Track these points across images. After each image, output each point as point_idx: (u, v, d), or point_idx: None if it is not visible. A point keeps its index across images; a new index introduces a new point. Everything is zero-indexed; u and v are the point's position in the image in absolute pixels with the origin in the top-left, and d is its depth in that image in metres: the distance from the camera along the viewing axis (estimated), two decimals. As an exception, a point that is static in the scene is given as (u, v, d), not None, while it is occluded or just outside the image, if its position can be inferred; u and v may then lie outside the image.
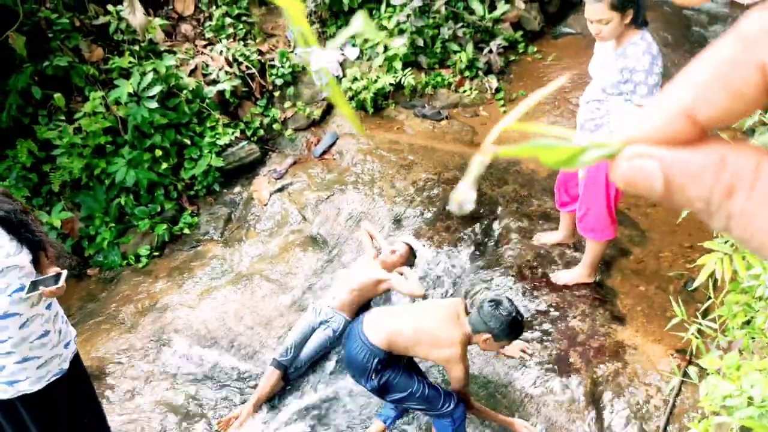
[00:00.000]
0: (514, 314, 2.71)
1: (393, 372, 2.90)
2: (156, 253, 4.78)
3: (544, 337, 3.57)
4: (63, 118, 4.90)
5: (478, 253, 4.19)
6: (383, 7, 5.90)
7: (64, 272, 2.45)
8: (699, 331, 2.40)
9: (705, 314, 2.46)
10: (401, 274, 3.79)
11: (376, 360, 2.85)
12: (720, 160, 0.25)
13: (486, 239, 4.27)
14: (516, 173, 4.79)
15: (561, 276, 3.85)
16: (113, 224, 4.80)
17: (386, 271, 3.82)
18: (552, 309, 3.72)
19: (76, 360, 2.75)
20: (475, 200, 0.35)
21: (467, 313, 2.87)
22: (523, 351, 3.45)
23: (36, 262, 2.45)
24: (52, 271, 2.46)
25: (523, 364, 3.46)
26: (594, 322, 3.63)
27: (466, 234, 4.31)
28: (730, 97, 0.26)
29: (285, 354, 3.53)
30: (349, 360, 2.98)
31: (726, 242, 2.18)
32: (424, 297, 3.79)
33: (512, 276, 3.94)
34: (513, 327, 2.70)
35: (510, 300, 2.81)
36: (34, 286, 2.37)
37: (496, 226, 4.36)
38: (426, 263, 4.14)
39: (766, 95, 0.26)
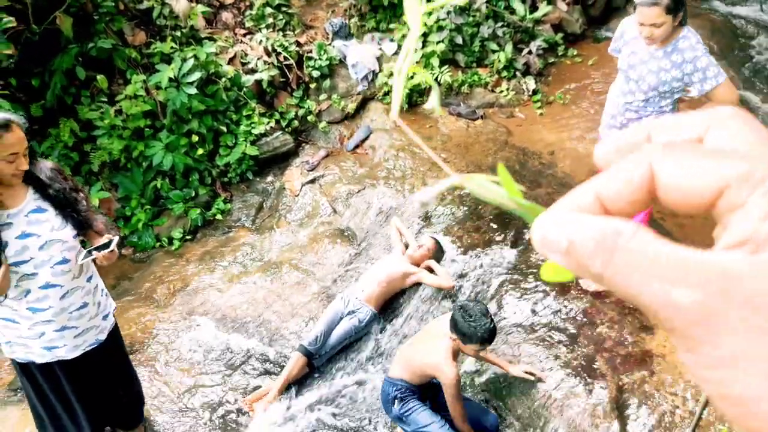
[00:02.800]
0: (476, 319, 2.82)
1: (416, 405, 3.14)
2: (188, 237, 4.87)
3: (572, 342, 3.55)
4: (105, 99, 5.01)
5: (507, 254, 4.18)
6: (423, 1, 5.90)
7: (116, 238, 2.48)
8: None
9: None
10: (430, 269, 3.83)
11: (394, 388, 3.14)
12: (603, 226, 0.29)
13: (516, 241, 4.26)
14: (551, 177, 4.76)
15: (591, 282, 3.81)
16: (149, 206, 4.90)
17: (414, 265, 3.86)
18: (580, 314, 3.69)
19: (114, 332, 2.83)
20: (435, 201, 0.39)
21: None
22: (528, 373, 3.40)
23: (83, 238, 2.53)
24: (105, 238, 2.51)
25: (549, 368, 3.44)
26: (622, 329, 3.60)
27: (496, 235, 4.30)
28: (622, 182, 0.30)
29: (314, 343, 3.58)
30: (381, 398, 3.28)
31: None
32: (452, 289, 3.82)
33: (541, 279, 3.91)
34: (475, 332, 2.81)
35: (481, 305, 2.93)
36: (88, 254, 2.44)
37: (527, 229, 4.34)
38: (452, 260, 4.14)
39: (648, 194, 0.30)
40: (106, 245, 2.44)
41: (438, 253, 3.97)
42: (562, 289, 3.85)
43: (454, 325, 2.89)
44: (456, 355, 2.98)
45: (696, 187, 0.28)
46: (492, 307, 3.84)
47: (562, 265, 0.30)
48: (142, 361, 3.72)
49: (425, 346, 3.06)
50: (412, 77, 5.59)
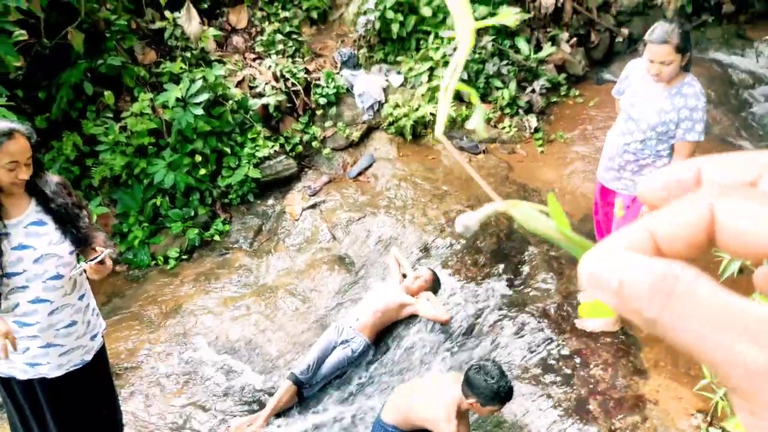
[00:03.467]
0: (497, 380, 2.72)
1: None
2: (185, 257, 4.85)
3: (565, 382, 3.52)
4: (110, 115, 5.04)
5: (504, 290, 4.17)
6: (431, 38, 6.00)
7: (107, 250, 2.42)
8: (726, 393, 2.35)
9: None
10: (427, 300, 3.81)
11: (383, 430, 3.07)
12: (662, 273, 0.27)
13: (514, 277, 4.25)
14: (549, 214, 4.77)
15: (587, 323, 3.81)
16: (146, 224, 4.89)
17: (411, 296, 3.84)
18: (575, 355, 3.66)
19: (101, 353, 2.78)
20: (478, 226, 0.37)
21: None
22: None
23: (80, 255, 2.51)
24: (98, 252, 2.47)
25: (541, 408, 3.40)
26: (616, 372, 3.57)
27: (493, 270, 4.29)
28: (681, 224, 0.29)
29: (306, 372, 3.53)
30: None
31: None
32: (448, 323, 3.80)
33: (537, 316, 3.90)
34: (497, 393, 2.71)
35: (497, 365, 2.83)
36: (78, 266, 2.42)
37: (525, 265, 4.34)
38: (450, 294, 4.13)
39: (707, 237, 0.29)
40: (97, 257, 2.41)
41: (435, 285, 3.96)
42: (558, 327, 3.83)
43: (471, 388, 2.75)
44: (462, 414, 2.87)
45: (761, 235, 0.27)
46: (487, 342, 3.81)
47: (608, 304, 0.29)
48: (127, 382, 3.66)
49: (426, 399, 2.95)
50: (417, 109, 5.66)
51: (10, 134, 2.22)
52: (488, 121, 5.83)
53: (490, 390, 2.70)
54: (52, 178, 2.49)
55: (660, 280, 0.27)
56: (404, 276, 4.04)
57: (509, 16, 0.41)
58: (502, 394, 2.73)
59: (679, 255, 0.29)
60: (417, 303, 3.82)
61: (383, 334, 3.92)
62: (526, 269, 4.31)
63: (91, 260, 2.37)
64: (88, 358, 2.67)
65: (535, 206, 0.34)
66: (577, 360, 3.63)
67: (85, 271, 2.40)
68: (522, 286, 4.18)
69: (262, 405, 3.58)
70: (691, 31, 2.96)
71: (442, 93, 0.38)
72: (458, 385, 2.85)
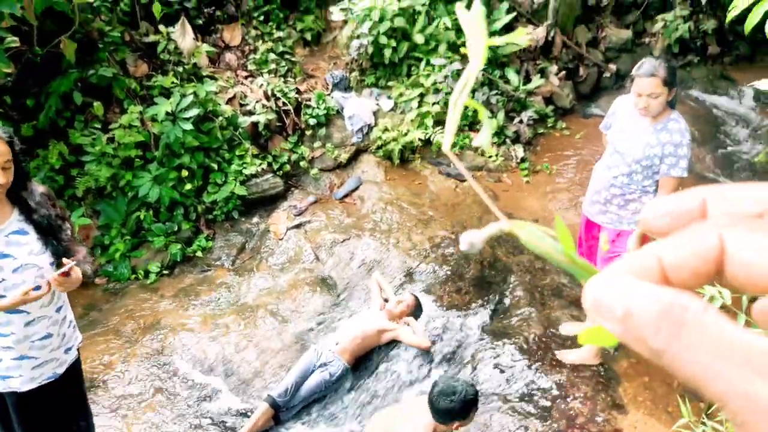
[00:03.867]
0: (459, 392, 2.78)
1: None
2: (165, 272, 4.79)
3: (544, 414, 3.51)
4: (98, 126, 5.01)
5: (486, 318, 4.17)
6: (422, 65, 6.07)
7: (71, 263, 2.34)
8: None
9: (710, 414, 2.42)
10: (408, 326, 3.80)
11: None
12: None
13: (496, 306, 4.25)
14: (532, 244, 4.80)
15: (567, 355, 3.81)
16: (129, 237, 4.83)
17: (393, 321, 3.83)
18: (554, 387, 3.66)
19: (74, 367, 2.72)
20: (482, 244, 0.36)
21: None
22: None
23: (58, 267, 2.47)
24: (66, 265, 2.39)
25: (519, 439, 3.39)
26: (595, 406, 3.57)
27: (476, 298, 4.29)
28: (689, 252, 0.29)
29: (284, 395, 3.48)
30: None
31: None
32: (429, 349, 3.78)
33: (518, 347, 3.90)
34: (468, 403, 2.80)
35: (445, 380, 2.88)
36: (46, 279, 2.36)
37: (507, 294, 4.35)
38: (431, 319, 4.12)
39: (715, 267, 0.28)
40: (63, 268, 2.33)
41: (417, 311, 3.95)
42: (540, 359, 3.83)
43: (447, 415, 2.78)
44: None
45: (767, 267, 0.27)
46: (467, 371, 3.80)
47: (612, 332, 0.29)
48: (101, 396, 3.59)
49: (402, 425, 2.96)
50: (406, 134, 5.70)
51: None
52: (475, 148, 5.89)
53: (462, 405, 2.77)
54: (37, 188, 2.46)
55: (667, 310, 0.26)
56: (386, 300, 4.03)
57: (521, 36, 0.41)
58: (472, 398, 2.81)
59: (686, 284, 0.29)
60: (398, 329, 3.80)
61: (363, 359, 3.89)
62: (508, 299, 4.32)
63: (57, 272, 2.32)
64: (61, 371, 2.61)
65: (541, 228, 0.33)
66: (557, 392, 3.63)
67: (49, 283, 2.35)
68: (504, 316, 4.18)
69: (237, 427, 3.51)
70: (677, 67, 3.03)
71: (451, 108, 0.37)
72: (426, 414, 2.86)
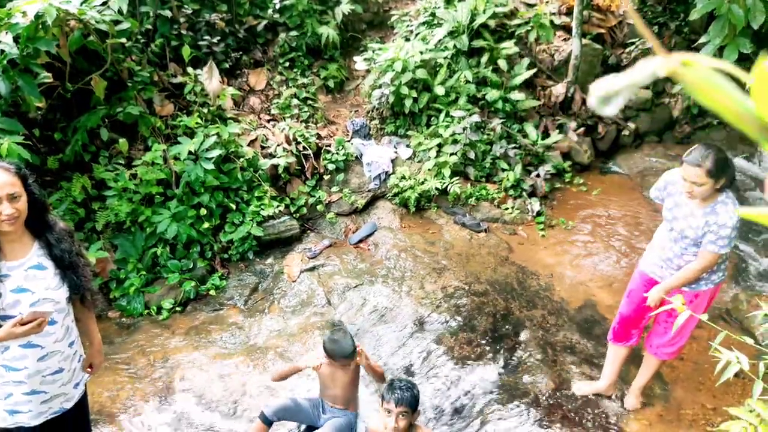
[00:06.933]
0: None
1: None
2: (178, 309, 4.80)
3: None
4: (122, 162, 5.12)
5: (496, 372, 4.10)
6: (442, 116, 6.16)
7: (31, 310, 2.30)
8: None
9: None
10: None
11: None
12: None
13: (507, 361, 4.19)
14: (546, 299, 4.76)
15: (582, 387, 3.93)
16: (144, 272, 4.88)
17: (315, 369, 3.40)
18: (565, 447, 3.57)
19: (81, 402, 2.72)
20: (625, 100, 0.29)
21: None
22: None
23: (73, 302, 2.50)
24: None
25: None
26: (606, 470, 3.46)
27: (487, 351, 4.24)
28: None
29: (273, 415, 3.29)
30: None
31: (752, 411, 2.11)
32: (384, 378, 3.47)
33: (527, 402, 3.82)
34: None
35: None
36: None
37: (519, 349, 4.29)
38: (442, 370, 4.05)
39: None
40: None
41: (331, 352, 3.31)
42: (548, 415, 3.75)
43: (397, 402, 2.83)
44: None
45: None
46: (475, 424, 3.72)
47: None
48: (107, 431, 3.56)
49: None
50: (423, 183, 5.74)
51: None
52: (492, 200, 5.91)
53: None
54: (59, 224, 2.50)
55: None
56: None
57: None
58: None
59: None
60: (303, 358, 3.45)
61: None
62: (519, 353, 4.26)
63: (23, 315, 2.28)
64: (68, 405, 2.61)
65: (719, 66, 0.24)
66: (567, 453, 3.53)
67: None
68: (514, 371, 4.12)
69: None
70: (728, 158, 2.99)
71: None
72: None
